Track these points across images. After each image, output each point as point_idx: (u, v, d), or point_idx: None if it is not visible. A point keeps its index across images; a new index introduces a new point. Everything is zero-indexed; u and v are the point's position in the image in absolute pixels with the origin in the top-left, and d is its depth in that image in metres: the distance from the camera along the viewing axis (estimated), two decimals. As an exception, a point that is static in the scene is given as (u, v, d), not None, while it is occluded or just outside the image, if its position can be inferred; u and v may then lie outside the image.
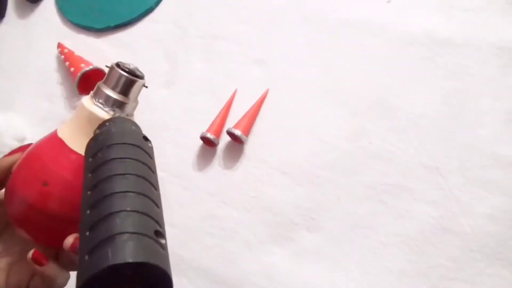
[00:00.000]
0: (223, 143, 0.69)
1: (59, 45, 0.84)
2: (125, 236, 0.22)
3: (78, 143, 0.35)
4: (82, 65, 0.77)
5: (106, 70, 0.36)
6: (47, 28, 0.90)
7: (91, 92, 0.36)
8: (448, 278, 0.53)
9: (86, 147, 0.30)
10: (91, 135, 0.34)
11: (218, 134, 0.67)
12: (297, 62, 0.69)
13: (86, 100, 0.36)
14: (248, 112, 0.67)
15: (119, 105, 0.35)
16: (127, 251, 0.21)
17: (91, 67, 0.76)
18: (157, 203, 0.26)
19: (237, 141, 0.67)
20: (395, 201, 0.58)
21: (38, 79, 0.87)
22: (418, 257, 0.55)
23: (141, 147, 0.29)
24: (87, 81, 0.76)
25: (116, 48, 0.82)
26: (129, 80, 0.35)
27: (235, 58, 0.73)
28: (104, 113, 0.35)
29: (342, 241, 0.59)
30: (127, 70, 0.36)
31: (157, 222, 0.24)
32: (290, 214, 0.62)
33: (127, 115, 0.36)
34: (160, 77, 0.77)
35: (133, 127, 0.32)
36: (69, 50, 0.83)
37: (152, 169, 0.29)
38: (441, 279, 0.54)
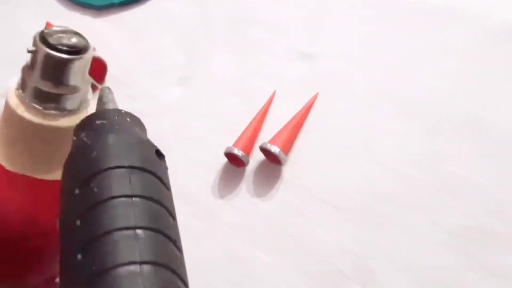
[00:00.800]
0: (254, 162, 0.64)
1: (47, 25, 0.77)
2: None
3: (6, 156, 0.31)
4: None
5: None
6: (35, 3, 0.86)
7: (16, 83, 0.31)
8: None
9: (64, 167, 0.24)
10: (22, 144, 0.30)
11: (248, 150, 0.62)
12: (353, 58, 0.66)
13: (12, 96, 0.30)
14: (288, 123, 0.63)
15: (53, 99, 0.30)
16: None
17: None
18: (184, 280, 0.21)
19: (273, 160, 0.62)
20: (482, 252, 0.53)
21: (19, 65, 0.80)
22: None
23: (155, 173, 0.23)
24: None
25: (119, 31, 0.79)
26: (61, 61, 0.29)
27: (273, 51, 0.70)
28: (32, 116, 0.30)
29: (410, 304, 0.54)
30: (54, 44, 0.29)
31: None
32: (339, 262, 0.56)
33: (68, 110, 0.30)
34: (174, 71, 0.73)
35: (137, 129, 0.25)
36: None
37: (171, 212, 0.23)
38: None
